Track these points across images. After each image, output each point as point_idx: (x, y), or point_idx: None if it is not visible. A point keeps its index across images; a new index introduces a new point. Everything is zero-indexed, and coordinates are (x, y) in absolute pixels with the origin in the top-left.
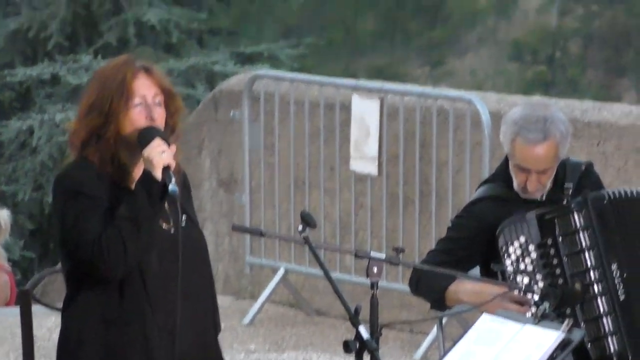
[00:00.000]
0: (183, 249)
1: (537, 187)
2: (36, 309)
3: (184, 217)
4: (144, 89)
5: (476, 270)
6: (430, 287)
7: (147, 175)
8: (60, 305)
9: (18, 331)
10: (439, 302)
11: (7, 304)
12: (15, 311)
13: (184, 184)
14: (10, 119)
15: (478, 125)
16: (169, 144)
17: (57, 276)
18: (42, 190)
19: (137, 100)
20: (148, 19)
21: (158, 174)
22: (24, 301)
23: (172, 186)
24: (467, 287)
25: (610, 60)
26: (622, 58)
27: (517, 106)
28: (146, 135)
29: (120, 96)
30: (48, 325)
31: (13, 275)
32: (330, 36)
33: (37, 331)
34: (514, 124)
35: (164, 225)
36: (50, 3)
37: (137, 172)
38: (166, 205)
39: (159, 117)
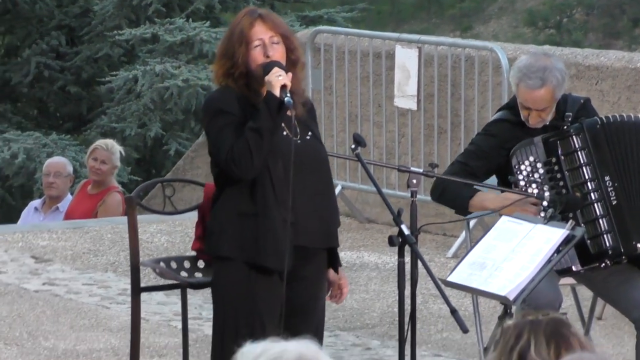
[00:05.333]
0: (307, 157)
1: (538, 121)
2: (141, 218)
3: (309, 133)
4: (261, 33)
5: (493, 180)
6: (454, 196)
7: (268, 94)
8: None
9: (127, 235)
10: (463, 209)
11: None
12: (123, 219)
13: (310, 110)
14: (119, 70)
15: (498, 69)
16: (286, 72)
17: (157, 191)
18: (146, 127)
19: (256, 42)
20: None
21: (277, 92)
22: (129, 206)
23: (288, 99)
24: (490, 196)
25: (607, 25)
26: (617, 24)
27: (524, 55)
28: (267, 67)
29: (241, 43)
30: (151, 230)
31: (123, 194)
32: (378, 7)
33: (142, 236)
34: (519, 71)
35: (292, 138)
36: None
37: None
38: (295, 122)
39: (277, 54)
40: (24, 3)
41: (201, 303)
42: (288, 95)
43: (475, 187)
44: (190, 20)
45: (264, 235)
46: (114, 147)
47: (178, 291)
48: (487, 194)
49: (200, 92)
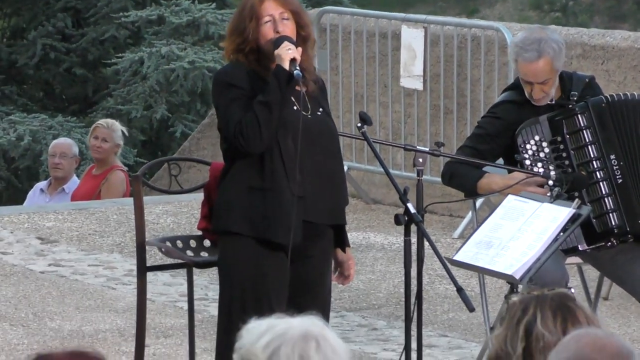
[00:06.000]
0: (317, 132)
1: (542, 95)
2: (147, 199)
3: (320, 109)
4: (271, 9)
5: (499, 161)
6: (463, 179)
7: (277, 67)
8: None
9: (133, 217)
10: (472, 192)
11: (123, 197)
12: (129, 201)
13: (322, 88)
14: (125, 52)
15: (504, 49)
16: (296, 46)
17: (163, 172)
18: (151, 109)
19: (266, 18)
20: None
21: (286, 66)
22: (135, 184)
23: (297, 72)
24: (496, 179)
25: (612, 8)
26: (623, 7)
27: (519, 32)
28: (277, 41)
29: (251, 19)
30: (156, 211)
31: (127, 174)
32: None
33: (148, 217)
34: (515, 46)
35: (303, 113)
36: None
37: None
38: (305, 97)
39: (287, 30)
40: None
41: (207, 284)
42: (297, 68)
43: (483, 168)
44: (196, 1)
45: (273, 209)
46: (115, 125)
47: (183, 272)
48: (494, 176)
49: (206, 74)
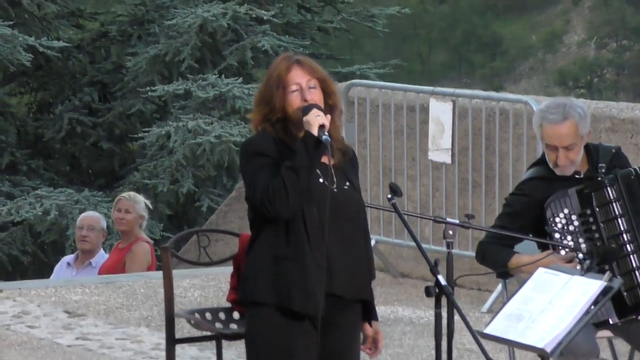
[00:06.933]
0: (343, 206)
1: (566, 162)
2: (174, 273)
3: (347, 183)
4: (298, 78)
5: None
6: (494, 261)
7: (306, 133)
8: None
9: (160, 290)
10: (504, 273)
11: (149, 269)
12: (156, 274)
13: (352, 161)
14: (151, 126)
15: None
16: (325, 114)
17: (192, 245)
18: (178, 183)
19: (293, 87)
20: (262, 45)
21: (315, 132)
22: (164, 256)
23: (325, 137)
24: (525, 259)
25: (638, 85)
26: None
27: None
28: (306, 109)
29: (278, 88)
30: (184, 285)
31: (153, 246)
32: (409, 66)
33: (175, 290)
34: (540, 112)
35: (329, 186)
36: (183, 33)
37: None
38: (332, 171)
39: (314, 98)
40: (57, 59)
41: (234, 358)
42: (326, 134)
43: (515, 245)
44: (223, 76)
45: (297, 279)
46: (137, 197)
47: (211, 346)
48: (524, 256)
49: (232, 148)
